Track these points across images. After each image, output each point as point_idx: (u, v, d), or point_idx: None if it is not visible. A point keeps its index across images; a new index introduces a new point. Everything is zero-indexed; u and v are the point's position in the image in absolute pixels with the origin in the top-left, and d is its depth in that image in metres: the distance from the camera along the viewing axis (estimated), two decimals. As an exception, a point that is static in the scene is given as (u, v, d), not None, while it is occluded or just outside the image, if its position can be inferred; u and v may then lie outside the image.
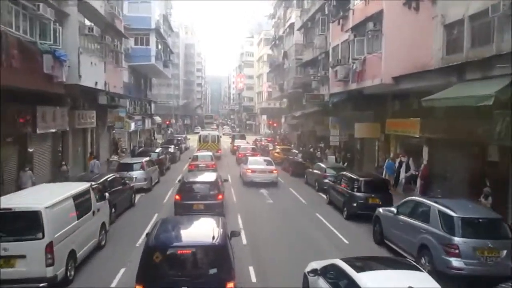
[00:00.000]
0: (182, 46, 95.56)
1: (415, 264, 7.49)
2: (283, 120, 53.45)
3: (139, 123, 38.30)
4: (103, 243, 11.57)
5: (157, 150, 27.74)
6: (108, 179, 14.75)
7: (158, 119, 51.79)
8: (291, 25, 40.33)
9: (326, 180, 19.65)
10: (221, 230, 7.68)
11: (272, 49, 55.28)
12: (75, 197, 9.87)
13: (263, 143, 43.86)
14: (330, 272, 7.11)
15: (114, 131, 28.16)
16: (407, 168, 19.93)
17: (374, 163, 24.46)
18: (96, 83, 20.08)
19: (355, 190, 14.95)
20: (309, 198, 19.33)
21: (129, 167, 19.93)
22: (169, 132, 59.88)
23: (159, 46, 39.14)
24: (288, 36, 43.17)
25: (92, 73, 19.64)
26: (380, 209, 12.47)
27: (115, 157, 28.09)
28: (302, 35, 36.36)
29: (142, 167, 19.95)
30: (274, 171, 22.77)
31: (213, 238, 7.19)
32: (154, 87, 61.09)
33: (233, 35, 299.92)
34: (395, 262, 8.21)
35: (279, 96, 50.21)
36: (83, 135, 24.36)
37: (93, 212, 10.84)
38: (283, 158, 30.62)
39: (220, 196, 14.46)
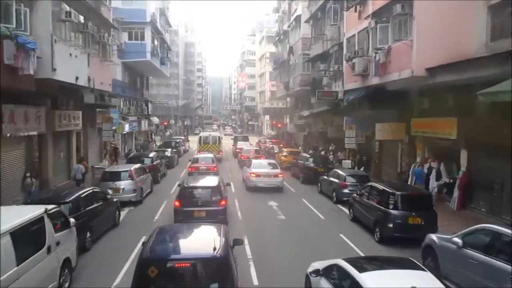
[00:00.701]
0: (181, 44, 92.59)
1: (418, 263, 7.11)
2: (287, 120, 50.50)
3: (134, 125, 35.81)
4: (66, 286, 8.63)
5: (151, 154, 24.68)
6: (83, 195, 11.78)
7: (155, 120, 48.99)
8: (297, 18, 37.45)
9: (346, 191, 17.05)
10: (223, 239, 7.03)
11: (276, 45, 52.36)
12: (16, 231, 6.91)
13: (267, 145, 40.96)
14: (333, 273, 6.97)
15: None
16: (438, 176, 17.21)
17: (395, 168, 21.66)
18: (76, 78, 17.17)
19: (390, 206, 11.98)
20: (328, 213, 16.34)
21: (115, 176, 17.01)
22: (167, 133, 57.15)
23: (155, 42, 36.77)
24: (294, 30, 40.26)
25: (71, 66, 16.76)
26: (434, 237, 9.48)
27: (105, 163, 25.30)
28: (310, 28, 33.42)
29: (130, 176, 16.98)
30: (280, 175, 20.89)
31: (214, 249, 6.48)
32: (153, 86, 58.59)
33: (234, 35, 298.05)
34: (398, 261, 7.76)
35: (283, 95, 47.31)
36: (67, 139, 21.72)
37: (49, 248, 7.87)
38: (291, 162, 27.74)
39: (223, 202, 13.48)
